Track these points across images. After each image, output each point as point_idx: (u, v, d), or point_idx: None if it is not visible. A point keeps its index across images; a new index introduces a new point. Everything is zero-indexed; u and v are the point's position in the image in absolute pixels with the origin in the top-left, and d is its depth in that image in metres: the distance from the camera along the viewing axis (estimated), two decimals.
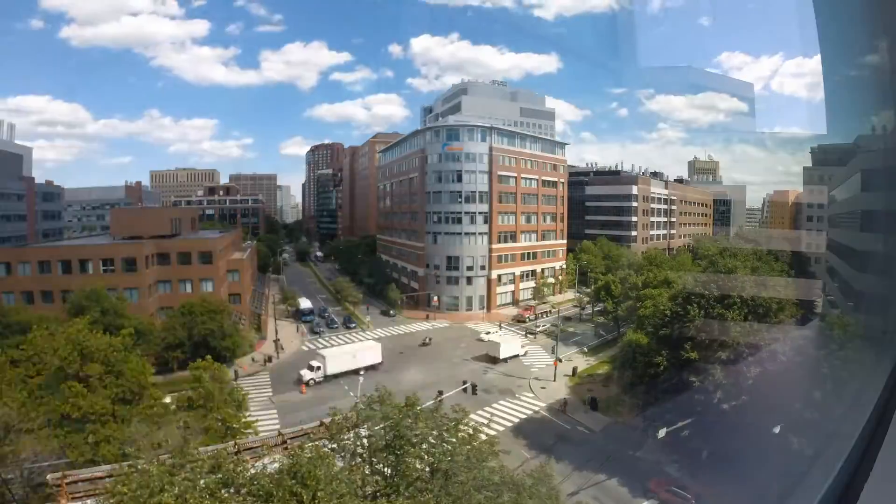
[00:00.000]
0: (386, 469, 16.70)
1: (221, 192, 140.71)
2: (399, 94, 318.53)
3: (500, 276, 74.40)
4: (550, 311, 67.97)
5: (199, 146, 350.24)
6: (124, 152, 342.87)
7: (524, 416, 38.19)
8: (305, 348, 55.27)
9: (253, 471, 14.14)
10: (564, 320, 61.05)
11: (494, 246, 73.35)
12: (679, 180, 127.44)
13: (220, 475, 13.54)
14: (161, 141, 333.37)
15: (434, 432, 17.13)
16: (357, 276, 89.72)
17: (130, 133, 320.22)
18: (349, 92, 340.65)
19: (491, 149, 72.77)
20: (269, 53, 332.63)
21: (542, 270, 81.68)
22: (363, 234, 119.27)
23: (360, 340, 57.15)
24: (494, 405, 39.19)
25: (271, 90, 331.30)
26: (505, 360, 50.06)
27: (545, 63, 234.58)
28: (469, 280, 72.31)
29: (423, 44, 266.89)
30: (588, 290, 68.07)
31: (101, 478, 19.46)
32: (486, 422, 25.98)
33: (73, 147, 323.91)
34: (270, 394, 41.93)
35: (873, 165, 19.10)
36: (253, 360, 50.23)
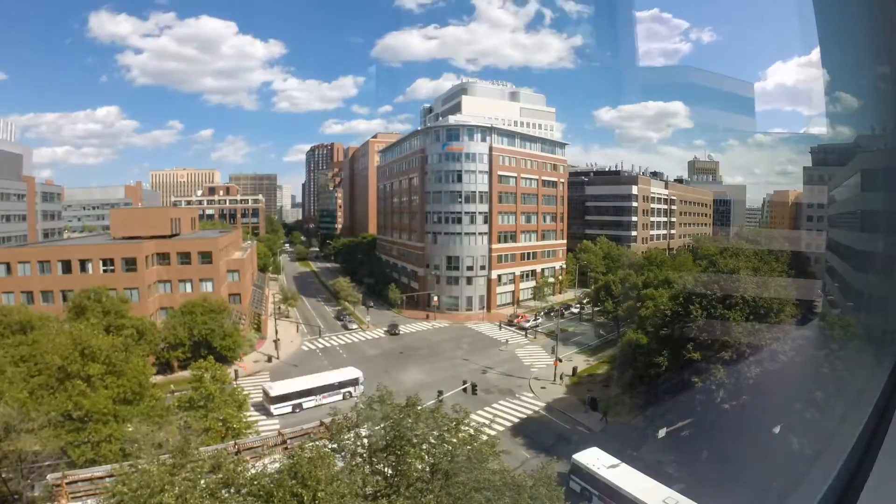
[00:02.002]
0: (386, 469, 16.71)
1: (221, 192, 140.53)
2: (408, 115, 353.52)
3: (500, 276, 74.35)
4: (553, 310, 67.95)
5: (219, 152, 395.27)
6: (151, 158, 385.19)
7: (524, 416, 38.22)
8: (305, 348, 55.36)
9: (253, 471, 14.15)
10: (564, 316, 61.07)
11: (494, 246, 73.31)
12: (679, 180, 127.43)
13: (220, 475, 13.56)
14: (192, 151, 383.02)
15: (434, 432, 17.11)
16: (357, 276, 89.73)
17: (159, 142, 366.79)
18: (361, 114, 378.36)
19: (491, 149, 72.68)
20: (292, 87, 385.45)
21: (542, 270, 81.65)
22: (363, 234, 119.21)
23: (361, 340, 57.46)
24: (494, 405, 39.20)
25: (292, 114, 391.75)
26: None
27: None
28: (469, 280, 72.26)
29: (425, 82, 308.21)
30: (588, 290, 68.03)
31: (101, 478, 19.48)
32: (487, 422, 25.95)
33: (112, 154, 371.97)
34: None
35: (873, 165, 19.08)
36: (255, 361, 50.24)
